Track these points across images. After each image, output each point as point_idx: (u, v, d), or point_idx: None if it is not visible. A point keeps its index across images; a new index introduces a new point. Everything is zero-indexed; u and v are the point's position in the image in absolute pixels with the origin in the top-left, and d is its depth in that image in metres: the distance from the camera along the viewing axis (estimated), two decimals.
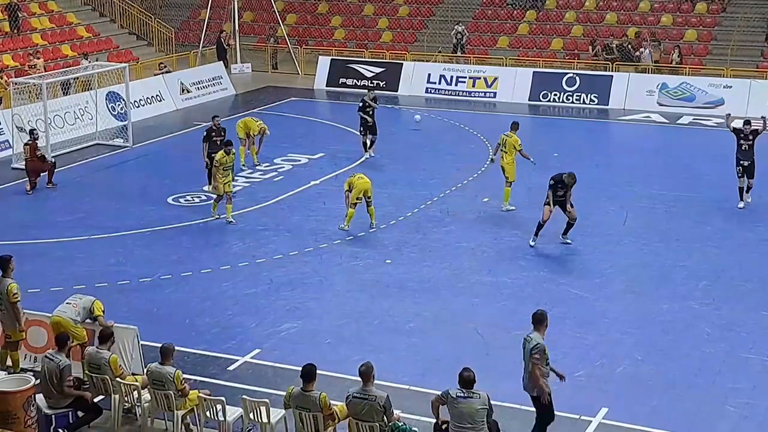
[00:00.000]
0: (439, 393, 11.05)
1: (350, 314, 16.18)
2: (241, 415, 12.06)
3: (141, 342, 13.41)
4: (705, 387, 13.59)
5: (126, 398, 12.50)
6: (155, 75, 32.28)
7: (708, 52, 34.39)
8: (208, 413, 12.08)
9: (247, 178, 23.79)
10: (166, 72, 32.45)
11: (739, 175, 20.96)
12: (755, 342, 14.85)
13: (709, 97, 30.41)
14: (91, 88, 28.67)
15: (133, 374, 12.84)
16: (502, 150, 20.97)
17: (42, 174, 22.98)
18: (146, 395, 12.38)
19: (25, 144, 23.33)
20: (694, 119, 29.57)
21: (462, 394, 10.81)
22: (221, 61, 35.39)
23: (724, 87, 30.52)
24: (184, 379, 12.16)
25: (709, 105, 30.26)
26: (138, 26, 39.23)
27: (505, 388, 13.24)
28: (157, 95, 31.28)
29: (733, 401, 13.15)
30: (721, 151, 25.93)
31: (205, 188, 21.93)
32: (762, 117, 21.48)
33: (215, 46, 36.57)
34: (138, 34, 39.26)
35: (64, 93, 28.97)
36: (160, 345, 12.33)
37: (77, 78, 28.84)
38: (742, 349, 14.62)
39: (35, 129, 23.98)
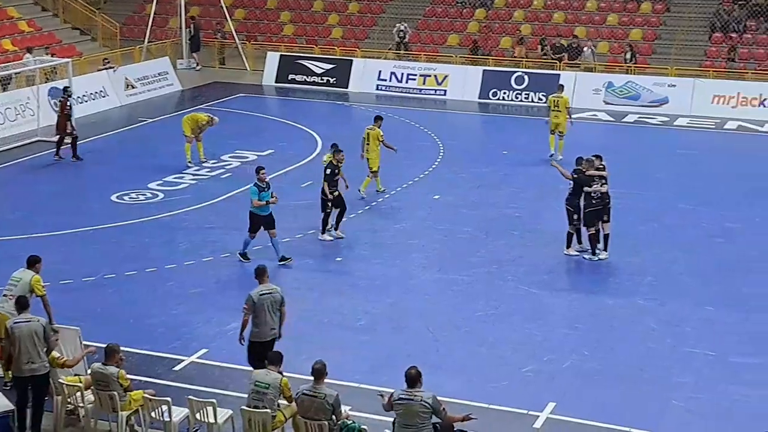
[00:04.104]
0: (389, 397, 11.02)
1: (300, 312, 16.04)
2: (187, 416, 11.93)
3: (84, 342, 13.16)
4: (650, 381, 13.72)
5: (69, 399, 12.28)
6: (99, 71, 31.79)
7: (653, 52, 34.81)
8: (153, 414, 11.92)
9: (194, 175, 23.54)
10: (110, 68, 31.98)
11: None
12: (699, 337, 15.04)
13: (654, 95, 30.79)
14: (33, 84, 28.15)
15: (76, 375, 12.61)
16: (365, 143, 21.46)
17: (66, 144, 24.57)
18: (89, 396, 12.16)
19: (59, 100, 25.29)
20: (639, 117, 29.92)
21: (404, 396, 10.78)
22: (194, 53, 35.99)
23: (668, 86, 30.91)
24: (128, 379, 11.99)
25: (654, 103, 30.64)
26: (82, 21, 38.62)
27: (455, 384, 13.28)
28: (101, 91, 30.83)
29: (677, 395, 13.30)
30: (666, 150, 26.35)
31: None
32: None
33: (189, 37, 36.45)
34: (81, 29, 38.65)
35: (3, 89, 28.40)
36: (104, 345, 12.11)
37: (18, 73, 28.30)
38: (686, 344, 14.80)
39: (68, 87, 25.95)
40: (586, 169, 18.01)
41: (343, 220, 19.34)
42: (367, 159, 21.60)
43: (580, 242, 18.32)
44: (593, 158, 18.13)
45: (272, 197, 17.79)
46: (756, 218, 20.46)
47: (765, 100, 29.80)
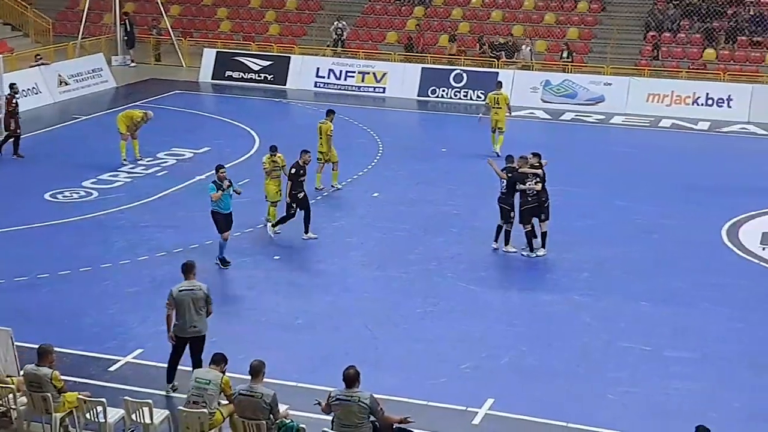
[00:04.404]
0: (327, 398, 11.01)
1: (238, 311, 15.96)
2: (123, 417, 11.77)
3: (16, 343, 12.90)
4: (586, 376, 13.89)
5: (0, 401, 12.01)
6: (31, 67, 31.16)
7: (589, 50, 35.25)
8: (87, 415, 11.75)
9: (129, 172, 23.22)
10: (43, 64, 31.37)
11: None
12: (634, 332, 15.25)
13: (590, 94, 31.18)
14: None
15: (9, 377, 12.34)
16: (318, 136, 21.72)
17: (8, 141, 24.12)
18: (22, 398, 11.92)
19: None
20: (576, 116, 30.27)
21: (342, 396, 10.76)
22: (130, 48, 35.67)
23: (604, 84, 31.33)
24: (62, 380, 11.79)
25: (590, 102, 31.03)
26: (13, 16, 37.83)
27: (393, 382, 13.30)
28: (33, 88, 30.22)
29: (613, 390, 13.47)
30: (602, 147, 26.71)
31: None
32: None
33: (124, 32, 35.99)
34: (13, 24, 37.86)
35: None
36: (36, 346, 11.88)
37: None
38: (621, 339, 15.00)
39: (14, 84, 25.50)
40: (519, 166, 18.16)
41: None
42: (321, 153, 21.61)
43: (507, 242, 18.35)
44: (528, 156, 18.28)
45: (237, 191, 17.66)
46: (689, 214, 20.83)
47: (698, 98, 30.36)
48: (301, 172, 18.71)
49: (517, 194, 18.16)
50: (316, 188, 21.68)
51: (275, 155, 19.17)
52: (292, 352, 14.45)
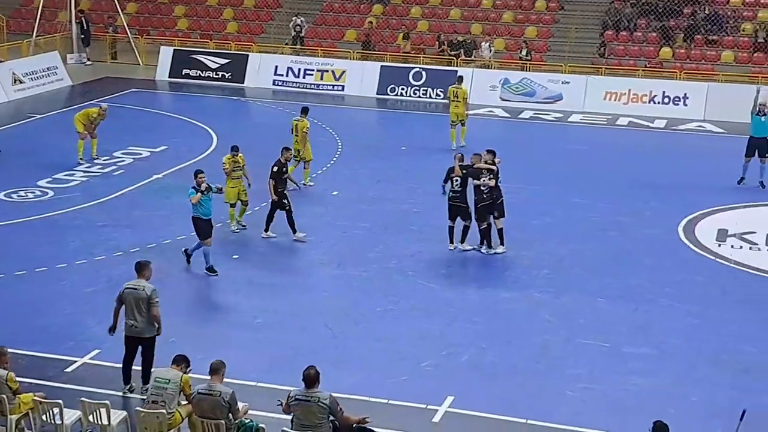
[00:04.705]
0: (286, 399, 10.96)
1: (196, 311, 15.84)
2: (80, 418, 11.62)
3: None
4: (546, 373, 13.95)
5: None
6: None
7: (547, 49, 35.46)
8: (44, 417, 11.59)
9: (85, 172, 22.95)
10: None
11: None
12: (592, 328, 15.36)
13: (549, 92, 31.36)
14: None
15: None
16: (294, 134, 21.77)
17: None
18: None
19: None
20: (534, 114, 30.44)
21: (301, 397, 10.72)
22: (86, 46, 35.31)
23: (562, 83, 31.53)
24: (17, 381, 11.62)
25: (549, 100, 31.22)
26: None
27: (354, 380, 13.27)
28: None
29: (572, 386, 13.55)
30: (560, 145, 26.87)
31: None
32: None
33: (80, 30, 35.55)
34: None
35: None
36: None
37: None
38: (580, 336, 15.09)
39: None
40: (474, 162, 18.22)
41: (248, 212, 19.20)
42: (297, 150, 21.64)
43: (463, 240, 18.37)
44: (483, 153, 18.33)
45: (219, 190, 17.46)
46: (646, 212, 21.02)
47: (655, 96, 30.67)
48: (284, 169, 18.69)
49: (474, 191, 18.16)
50: (304, 183, 21.86)
51: (237, 155, 19.00)
52: (251, 351, 14.37)
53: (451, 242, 18.36)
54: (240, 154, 19.03)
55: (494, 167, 18.14)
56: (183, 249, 17.55)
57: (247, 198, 19.08)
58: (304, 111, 22.30)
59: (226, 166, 18.98)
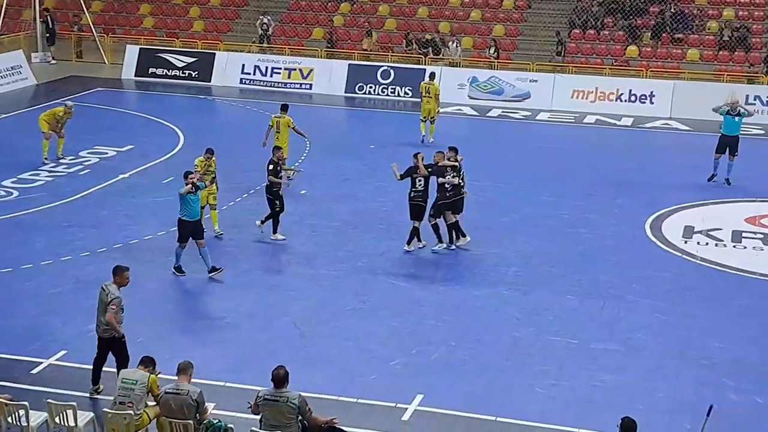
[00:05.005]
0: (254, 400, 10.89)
1: (163, 312, 15.71)
2: (46, 420, 11.50)
3: None
4: (515, 370, 13.99)
5: None
6: None
7: (515, 47, 35.58)
8: (9, 419, 11.45)
9: (50, 171, 22.72)
10: None
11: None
12: (561, 325, 15.42)
13: (517, 90, 31.48)
14: None
15: None
16: (275, 131, 21.95)
17: None
18: None
19: None
20: (502, 112, 30.53)
21: (270, 397, 10.68)
22: (50, 45, 34.90)
23: (530, 81, 31.67)
24: None
25: (517, 98, 31.33)
26: None
27: (323, 379, 13.23)
28: None
29: (540, 383, 13.59)
30: (528, 143, 26.99)
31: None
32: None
33: (45, 29, 35.16)
34: None
35: None
36: None
37: None
38: (548, 332, 15.15)
39: None
40: (438, 160, 18.24)
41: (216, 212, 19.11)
42: (278, 147, 21.19)
43: (412, 240, 18.37)
44: (445, 150, 18.36)
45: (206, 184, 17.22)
46: (614, 209, 21.15)
47: (621, 94, 30.88)
48: (279, 168, 18.64)
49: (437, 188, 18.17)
50: (288, 178, 21.80)
51: (211, 158, 18.69)
52: (219, 351, 14.28)
53: (420, 240, 18.36)
54: (214, 158, 18.71)
55: (458, 164, 18.17)
56: (208, 271, 16.95)
57: (216, 202, 18.85)
58: (284, 108, 22.46)
59: (198, 168, 18.61)
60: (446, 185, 18.03)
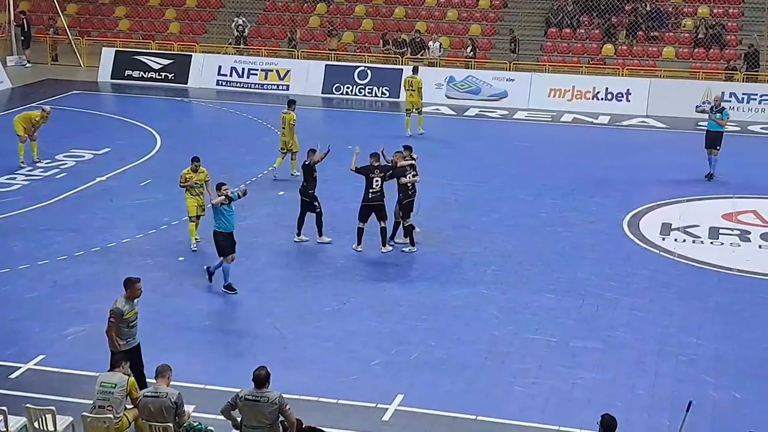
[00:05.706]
0: (229, 399, 10.81)
1: (142, 315, 15.56)
2: (25, 425, 11.42)
3: None
4: (495, 369, 14.02)
5: None
6: None
7: (492, 47, 35.66)
8: None
9: (27, 175, 22.58)
10: None
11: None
12: (540, 323, 15.47)
13: (494, 90, 31.55)
14: None
15: None
16: (281, 127, 22.56)
17: None
18: None
19: None
20: (480, 111, 30.60)
21: (251, 397, 10.64)
22: (26, 48, 34.99)
23: (507, 80, 31.75)
24: None
25: (494, 97, 31.41)
26: None
27: (303, 380, 13.22)
28: None
29: (520, 381, 13.63)
30: (505, 142, 27.07)
31: None
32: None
33: (21, 32, 35.07)
34: None
35: None
36: None
37: None
38: (528, 331, 15.19)
39: None
40: (397, 160, 18.28)
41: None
42: (285, 142, 22.43)
43: (385, 243, 18.36)
44: (401, 150, 18.39)
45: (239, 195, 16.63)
46: (592, 207, 21.24)
47: (598, 93, 31.03)
48: (313, 170, 18.68)
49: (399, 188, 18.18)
50: (292, 174, 22.50)
51: (199, 168, 18.08)
52: (199, 353, 14.24)
53: (359, 243, 18.30)
54: (202, 168, 18.19)
55: (414, 163, 18.29)
56: (205, 267, 16.82)
57: (204, 213, 18.36)
58: (291, 104, 22.74)
59: (182, 180, 18.05)
60: (407, 185, 18.11)
